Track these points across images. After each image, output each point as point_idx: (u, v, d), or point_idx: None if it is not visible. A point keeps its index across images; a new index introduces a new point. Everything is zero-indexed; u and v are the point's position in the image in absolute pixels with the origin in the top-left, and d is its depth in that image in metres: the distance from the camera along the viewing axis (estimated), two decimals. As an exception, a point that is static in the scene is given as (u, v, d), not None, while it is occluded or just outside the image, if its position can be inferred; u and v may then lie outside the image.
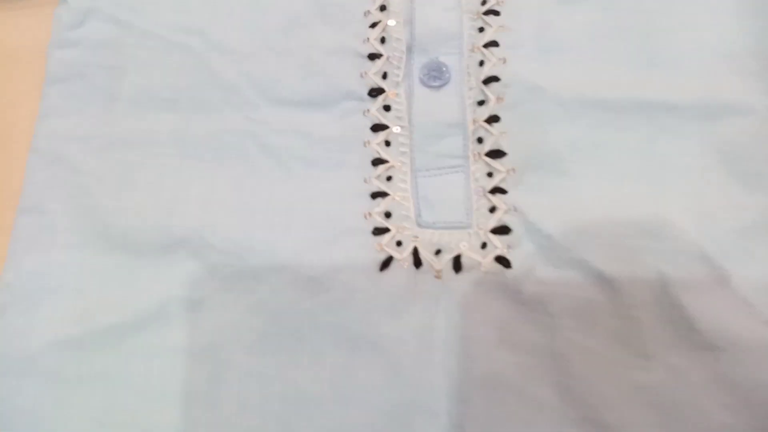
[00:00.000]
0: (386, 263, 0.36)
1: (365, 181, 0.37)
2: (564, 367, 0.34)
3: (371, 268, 0.35)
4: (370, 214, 0.36)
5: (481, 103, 0.38)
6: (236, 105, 0.38)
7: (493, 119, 0.38)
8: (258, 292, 0.35)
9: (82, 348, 0.35)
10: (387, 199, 0.37)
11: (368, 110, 0.38)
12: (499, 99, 0.38)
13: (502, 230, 0.36)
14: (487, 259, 0.35)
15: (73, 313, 0.35)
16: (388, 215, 0.37)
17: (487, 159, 0.37)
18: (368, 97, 0.38)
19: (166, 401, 0.34)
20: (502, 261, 0.35)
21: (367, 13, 0.39)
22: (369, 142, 0.37)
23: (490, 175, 0.37)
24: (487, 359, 0.34)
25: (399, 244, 0.36)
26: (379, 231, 0.36)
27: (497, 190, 0.37)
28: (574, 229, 0.35)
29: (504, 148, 0.37)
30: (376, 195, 0.37)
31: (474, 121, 0.38)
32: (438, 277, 0.35)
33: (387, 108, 0.38)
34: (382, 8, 0.39)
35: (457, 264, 0.35)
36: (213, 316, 0.35)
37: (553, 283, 0.35)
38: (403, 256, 0.36)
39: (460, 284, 0.35)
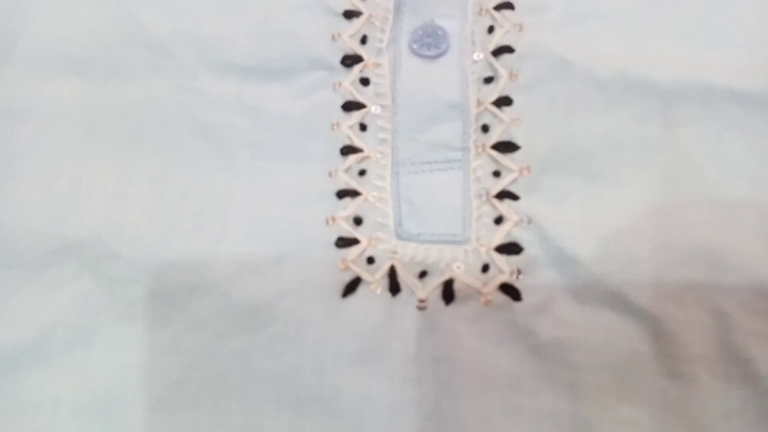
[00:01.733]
0: (351, 287, 0.26)
1: (330, 175, 0.27)
2: (591, 440, 0.24)
3: (331, 294, 0.26)
4: (333, 220, 0.27)
5: (488, 80, 0.29)
6: (167, 70, 0.29)
7: (503, 102, 0.29)
8: (173, 323, 0.26)
9: None
10: (358, 200, 0.27)
11: (340, 83, 0.29)
12: (512, 75, 0.29)
13: (510, 249, 0.27)
14: (490, 287, 0.26)
15: None
16: (357, 222, 0.27)
17: (494, 153, 0.28)
18: (341, 67, 0.29)
19: None
20: (510, 291, 0.26)
21: None
22: (338, 125, 0.28)
23: (496, 174, 0.28)
24: (486, 430, 0.25)
25: (371, 261, 0.27)
26: (345, 242, 0.27)
27: (506, 195, 0.27)
28: (609, 251, 0.26)
29: (517, 140, 0.28)
30: (343, 194, 0.28)
31: (479, 103, 0.28)
32: (422, 308, 0.26)
33: (364, 82, 0.29)
34: (365, -44, 0.30)
35: (448, 292, 0.26)
36: (108, 354, 0.26)
37: (578, 325, 0.26)
38: (376, 277, 0.26)
39: (452, 320, 0.26)
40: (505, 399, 0.25)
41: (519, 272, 0.27)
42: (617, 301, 0.26)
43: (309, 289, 0.26)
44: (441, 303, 0.26)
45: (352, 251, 0.27)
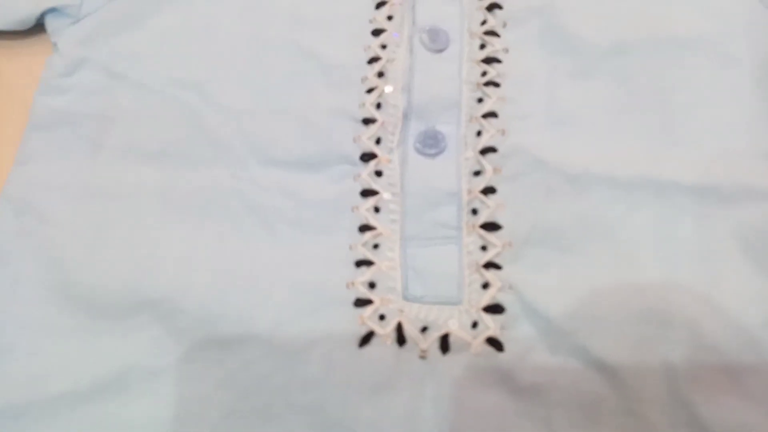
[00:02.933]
0: (367, 338, 0.32)
1: (350, 248, 0.34)
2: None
3: (351, 343, 0.32)
4: (353, 284, 0.33)
5: (477, 173, 0.36)
6: (226, 162, 0.37)
7: (489, 191, 0.36)
8: (228, 363, 0.32)
9: (28, 415, 0.31)
10: (372, 268, 0.34)
11: (359, 175, 0.36)
12: (496, 170, 0.36)
13: (495, 309, 0.33)
14: (478, 341, 0.32)
15: (23, 376, 0.32)
16: (372, 286, 0.34)
17: (482, 231, 0.35)
18: (360, 162, 0.37)
19: None
20: (494, 343, 0.32)
21: (364, 79, 0.38)
22: (357, 208, 0.35)
23: (484, 248, 0.34)
24: None
25: (382, 317, 0.33)
26: (362, 302, 0.33)
27: (491, 266, 0.34)
28: (576, 312, 0.32)
29: (500, 221, 0.35)
30: (360, 263, 0.34)
31: (469, 192, 0.35)
32: (423, 357, 0.32)
33: (378, 173, 0.36)
34: (380, 75, 0.38)
35: (444, 344, 0.32)
36: (176, 388, 0.32)
37: (551, 371, 0.31)
38: (386, 331, 0.33)
39: (448, 367, 0.32)
40: (494, 429, 0.31)
41: (502, 328, 0.33)
42: (583, 352, 0.32)
43: (334, 339, 0.32)
44: (439, 352, 0.32)
45: (368, 309, 0.33)
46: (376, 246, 0.35)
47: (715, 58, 0.37)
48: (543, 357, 0.32)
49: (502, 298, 0.33)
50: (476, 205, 0.35)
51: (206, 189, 0.36)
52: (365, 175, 0.36)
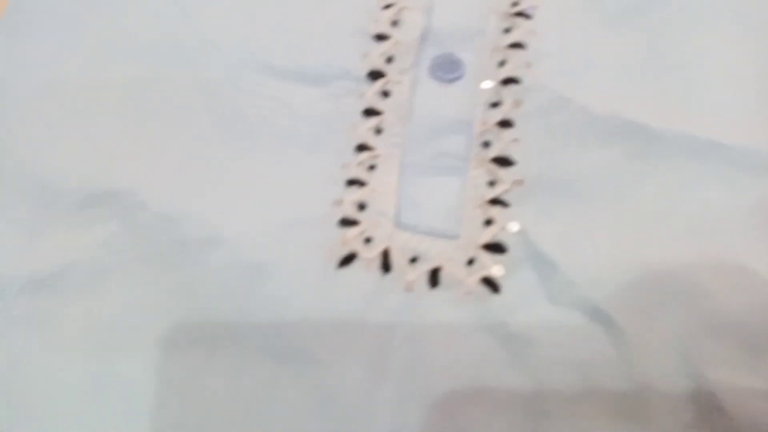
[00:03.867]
0: (348, 260, 0.29)
1: (343, 166, 0.31)
2: (548, 430, 0.26)
3: (327, 263, 0.29)
4: (340, 202, 0.30)
5: (494, 105, 0.32)
6: (216, 64, 0.33)
7: (505, 124, 0.32)
8: (185, 270, 0.29)
9: None
10: (365, 189, 0.30)
11: (363, 93, 0.33)
12: (516, 102, 0.32)
13: (496, 248, 0.29)
14: (472, 279, 0.28)
15: None
16: (361, 207, 0.30)
17: (492, 166, 0.31)
18: (366, 79, 0.33)
19: (36, 387, 0.27)
20: (490, 284, 0.28)
21: None
22: (356, 126, 0.32)
23: (491, 184, 0.31)
24: (452, 406, 0.27)
25: (368, 241, 0.29)
26: (347, 222, 0.30)
27: (497, 202, 0.30)
28: (586, 263, 0.29)
29: (513, 157, 0.31)
30: (352, 182, 0.31)
31: (483, 123, 0.32)
32: (409, 289, 0.28)
33: (385, 94, 0.33)
34: (399, -8, 0.35)
35: (434, 277, 0.29)
36: (124, 290, 0.28)
37: (549, 323, 0.28)
38: (371, 255, 0.29)
39: (434, 303, 0.28)
40: (471, 377, 0.27)
41: (501, 269, 0.29)
42: (588, 306, 0.28)
43: (309, 255, 0.29)
44: (426, 286, 0.29)
45: (353, 230, 0.30)
46: (372, 167, 0.31)
47: (740, 25, 0.33)
48: (542, 306, 0.28)
49: (505, 238, 0.29)
50: (489, 137, 0.32)
51: (190, 88, 0.33)
52: (371, 93, 0.33)
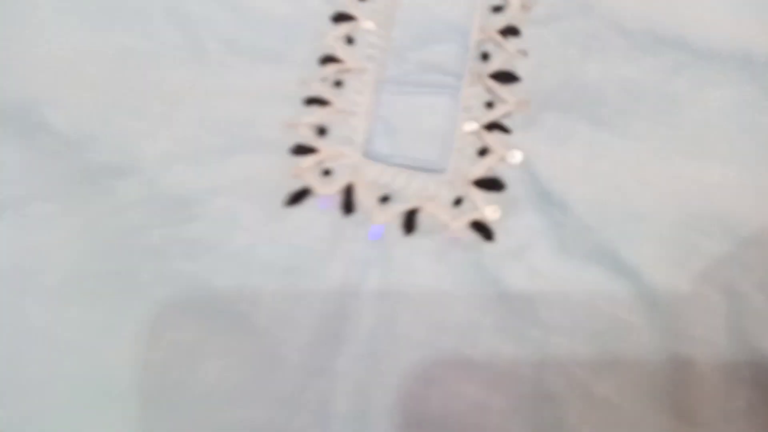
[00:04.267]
0: (299, 196, 0.23)
1: (303, 82, 0.24)
2: (554, 417, 0.20)
3: (272, 200, 0.22)
4: (294, 124, 0.24)
5: (497, 9, 0.26)
6: None
7: (510, 31, 0.25)
8: (90, 206, 0.23)
9: None
10: (326, 109, 0.24)
11: (334, -5, 0.26)
12: (524, 6, 0.25)
13: (490, 184, 0.23)
14: (459, 222, 0.22)
15: None
16: (321, 131, 0.24)
17: (491, 82, 0.24)
18: (338, -22, 0.26)
19: None
20: (482, 229, 0.22)
21: None
22: (323, 35, 0.25)
23: (489, 105, 0.24)
24: (432, 383, 0.20)
25: (327, 173, 0.23)
26: (302, 150, 0.23)
27: (496, 127, 0.24)
28: (608, 202, 0.22)
29: (519, 73, 0.24)
30: (311, 101, 0.24)
31: (482, 30, 0.25)
32: (377, 236, 0.22)
33: (361, -5, 0.26)
34: None
35: (410, 221, 0.22)
36: (16, 231, 0.23)
37: (557, 279, 0.22)
38: (329, 191, 0.23)
39: (409, 254, 0.22)
40: (455, 350, 0.21)
41: (496, 211, 0.22)
42: (609, 258, 0.22)
43: (249, 189, 0.23)
44: (400, 233, 0.23)
45: (308, 159, 0.23)
46: (338, 84, 0.25)
47: None
48: (548, 258, 0.22)
49: (503, 172, 0.23)
50: (489, 48, 0.25)
51: None
52: (343, -6, 0.26)
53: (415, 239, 0.22)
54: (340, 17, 0.26)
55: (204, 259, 0.22)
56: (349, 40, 0.26)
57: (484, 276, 0.22)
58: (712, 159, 0.23)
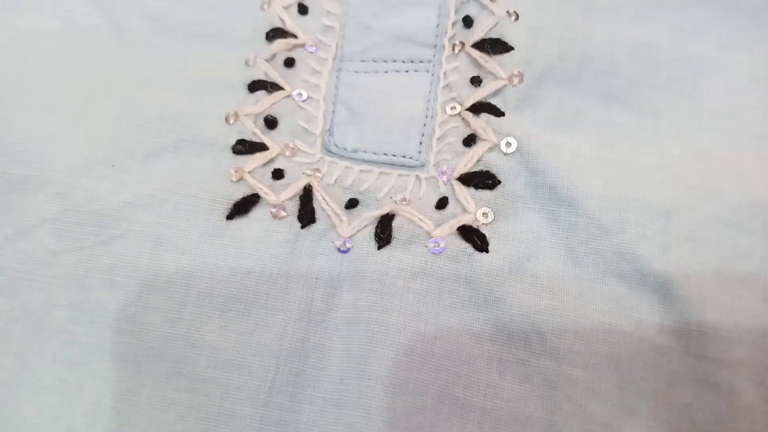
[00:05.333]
0: (244, 206, 0.19)
1: (247, 63, 0.20)
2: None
3: (211, 212, 0.18)
4: (236, 116, 0.19)
5: (478, -36, 0.21)
6: None
7: (495, -10, 0.20)
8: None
9: None
10: (276, 95, 0.20)
11: (282, -46, 0.21)
12: (512, -42, 0.21)
13: (481, 179, 0.19)
14: (445, 230, 0.18)
15: None
16: (271, 124, 0.19)
17: (476, 53, 0.20)
18: (287, -65, 0.22)
19: None
20: (473, 236, 0.18)
21: None
22: (269, 3, 0.21)
23: (476, 82, 0.19)
24: None
25: (278, 175, 0.19)
26: (247, 147, 0.19)
27: (485, 109, 0.19)
28: (625, 197, 0.18)
29: (509, 40, 0.20)
30: (257, 86, 0.20)
31: (461, -11, 0.20)
32: (344, 249, 0.18)
33: (315, -45, 0.21)
34: None
35: (384, 230, 0.18)
36: None
37: (568, 295, 0.17)
38: (282, 198, 0.18)
39: (384, 270, 0.18)
40: (445, 392, 0.17)
41: (487, 214, 0.18)
42: (630, 267, 0.18)
43: (181, 200, 0.18)
44: (372, 245, 0.18)
45: (254, 159, 0.19)
46: (289, 63, 0.20)
47: None
48: (556, 269, 0.18)
49: (497, 163, 0.19)
50: (472, 11, 0.21)
51: None
52: (292, -45, 0.21)
53: (391, 252, 0.18)
54: (290, -19, 0.21)
55: (129, 290, 0.17)
56: (302, 9, 0.21)
57: (477, 295, 0.18)
58: (747, 138, 0.19)
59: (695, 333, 0.17)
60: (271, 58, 0.20)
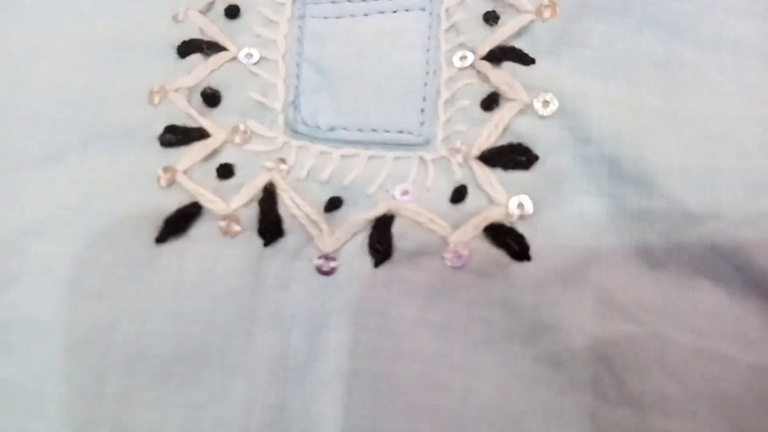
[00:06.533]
0: (179, 222, 0.13)
1: (176, 18, 0.14)
2: None
3: (137, 234, 0.13)
4: (163, 92, 0.14)
5: None
6: None
7: None
8: None
9: None
10: (216, 58, 0.14)
11: None
12: None
13: (511, 156, 0.13)
14: (466, 232, 0.13)
15: None
16: (212, 100, 0.14)
17: (487, -21, 0.14)
18: None
19: None
20: (507, 239, 0.13)
21: None
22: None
23: (491, 19, 0.14)
24: None
25: (227, 173, 0.14)
26: (179, 136, 0.14)
27: (506, 55, 0.14)
28: (711, 166, 0.12)
29: (531, -41, 0.14)
30: (190, 48, 0.15)
31: None
32: (326, 271, 0.13)
33: None
34: None
35: (382, 239, 0.13)
36: None
37: (648, 313, 0.12)
38: (233, 206, 0.13)
39: (386, 297, 0.13)
40: None
41: (526, 203, 0.13)
42: (733, 266, 0.13)
43: (92, 221, 0.13)
44: (365, 262, 0.13)
45: (191, 152, 0.14)
46: (233, 13, 0.15)
47: None
48: (626, 275, 0.13)
49: (530, 131, 0.14)
50: None
51: None
52: None
53: (393, 270, 0.13)
54: None
55: (30, 356, 0.13)
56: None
57: (521, 323, 0.13)
58: None
59: None
60: (207, 8, 0.15)
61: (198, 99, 0.14)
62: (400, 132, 0.14)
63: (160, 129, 0.14)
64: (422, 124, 0.14)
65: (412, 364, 0.13)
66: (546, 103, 0.14)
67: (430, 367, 0.13)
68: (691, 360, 0.13)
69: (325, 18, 0.15)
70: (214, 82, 0.15)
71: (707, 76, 0.14)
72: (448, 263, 0.13)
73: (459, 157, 0.14)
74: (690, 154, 0.13)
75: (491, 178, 0.14)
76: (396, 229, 0.14)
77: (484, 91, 0.14)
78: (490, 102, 0.14)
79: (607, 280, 0.13)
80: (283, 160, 0.14)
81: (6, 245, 0.13)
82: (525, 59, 0.14)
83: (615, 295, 0.13)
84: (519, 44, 0.15)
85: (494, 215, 0.14)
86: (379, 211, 0.14)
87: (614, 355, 0.12)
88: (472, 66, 0.15)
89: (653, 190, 0.13)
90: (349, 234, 0.14)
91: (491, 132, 0.14)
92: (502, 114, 0.14)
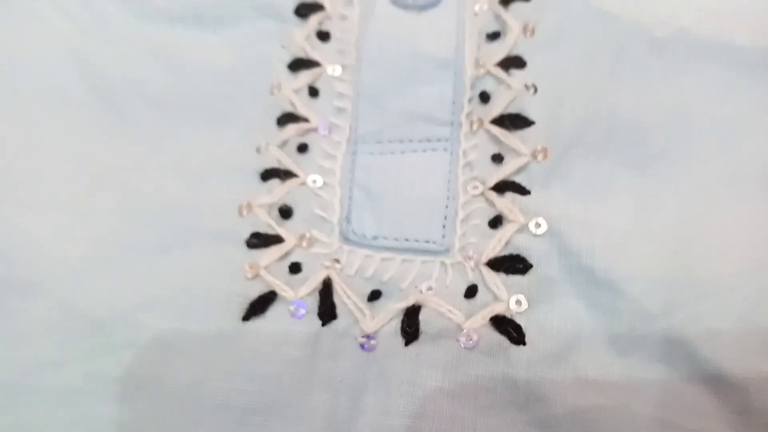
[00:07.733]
0: (261, 304, 0.18)
1: (258, 150, 0.19)
2: None
3: (226, 313, 0.17)
4: (249, 207, 0.18)
5: (493, 36, 0.21)
6: (69, 11, 0.22)
7: (512, 63, 0.20)
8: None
9: None
10: (290, 183, 0.19)
11: (291, 37, 0.21)
12: (527, 29, 0.20)
13: (512, 264, 0.18)
14: (477, 321, 0.17)
15: None
16: (285, 213, 0.18)
17: (496, 130, 0.19)
18: (294, 17, 0.21)
19: None
20: (508, 328, 0.17)
21: None
22: (279, 87, 0.20)
23: (497, 159, 0.19)
24: None
25: (295, 269, 0.18)
26: (262, 240, 0.18)
27: (509, 187, 0.18)
28: (673, 276, 0.17)
29: (529, 114, 0.19)
30: (270, 175, 0.19)
31: (477, 64, 0.20)
32: (368, 347, 0.17)
33: (323, 36, 0.21)
34: None
35: (411, 324, 0.17)
36: None
37: (616, 389, 0.16)
38: (300, 294, 0.17)
39: (414, 369, 0.17)
40: None
41: (521, 302, 0.17)
42: (681, 354, 0.16)
43: (191, 302, 0.17)
44: (399, 341, 0.17)
45: (270, 253, 0.18)
46: (302, 148, 0.19)
47: None
48: (600, 360, 0.16)
49: (527, 246, 0.18)
50: (488, 85, 0.20)
51: (32, 50, 0.21)
52: (300, 37, 0.21)
53: (420, 348, 0.17)
54: (299, 64, 0.21)
55: (136, 403, 0.16)
56: (313, 92, 0.20)
57: (517, 394, 0.16)
58: None
59: (759, 425, 0.16)
60: (283, 145, 0.20)
61: (275, 213, 0.19)
62: (427, 242, 0.18)
63: (246, 234, 0.18)
64: (444, 236, 0.18)
65: (433, 422, 0.16)
66: (538, 225, 0.18)
67: (447, 426, 0.16)
68: (652, 428, 0.16)
69: (371, 154, 0.20)
70: (288, 200, 0.19)
71: (667, 203, 0.18)
72: (462, 345, 0.17)
73: (472, 263, 0.18)
74: (649, 267, 0.17)
75: (496, 280, 0.18)
76: (422, 316, 0.17)
77: (491, 213, 0.18)
78: (496, 222, 0.18)
79: (584, 362, 0.17)
80: (337, 261, 0.18)
81: (124, 318, 0.18)
82: (523, 191, 0.18)
83: (590, 375, 0.16)
84: (518, 179, 0.19)
85: (498, 309, 0.17)
86: (409, 302, 0.17)
87: (589, 422, 0.16)
88: (482, 194, 0.19)
89: (620, 294, 0.17)
90: (386, 319, 0.17)
91: (496, 245, 0.18)
92: (505, 231, 0.18)
